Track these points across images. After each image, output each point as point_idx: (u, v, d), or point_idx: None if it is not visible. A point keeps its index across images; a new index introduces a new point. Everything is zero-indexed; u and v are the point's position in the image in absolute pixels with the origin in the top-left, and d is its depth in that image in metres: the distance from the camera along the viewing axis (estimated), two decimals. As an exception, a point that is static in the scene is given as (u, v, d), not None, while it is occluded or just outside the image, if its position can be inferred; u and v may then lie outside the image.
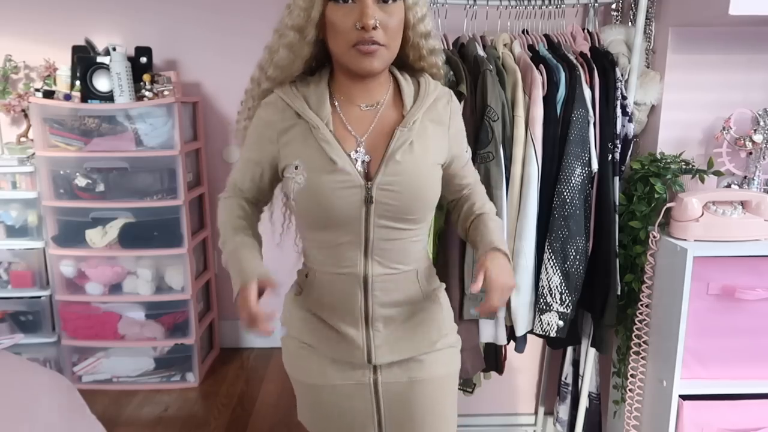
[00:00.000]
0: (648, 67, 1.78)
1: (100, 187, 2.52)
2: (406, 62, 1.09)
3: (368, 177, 1.01)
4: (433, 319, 1.15)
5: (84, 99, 2.42)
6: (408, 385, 1.13)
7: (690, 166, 1.67)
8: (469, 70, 1.59)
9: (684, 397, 1.57)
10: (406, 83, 1.08)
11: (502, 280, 0.99)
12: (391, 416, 1.14)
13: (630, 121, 1.68)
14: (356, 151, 1.02)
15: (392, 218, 1.03)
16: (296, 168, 1.02)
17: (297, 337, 1.15)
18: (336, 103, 1.05)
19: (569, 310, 1.66)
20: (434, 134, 1.07)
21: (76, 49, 2.53)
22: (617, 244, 1.68)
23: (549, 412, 2.21)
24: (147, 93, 2.45)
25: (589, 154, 1.61)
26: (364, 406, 1.13)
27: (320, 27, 0.98)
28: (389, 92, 1.07)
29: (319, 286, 1.10)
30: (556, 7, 1.75)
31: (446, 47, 1.70)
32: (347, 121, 1.04)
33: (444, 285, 1.22)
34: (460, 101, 1.59)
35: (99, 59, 2.42)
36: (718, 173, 1.66)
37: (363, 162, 1.02)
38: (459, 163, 1.14)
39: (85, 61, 2.43)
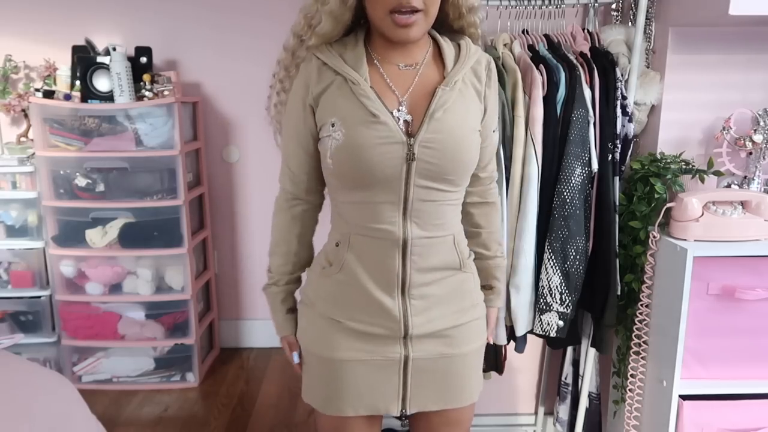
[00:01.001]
0: (648, 67, 1.78)
1: (100, 187, 2.52)
2: (445, 21, 1.07)
3: (410, 135, 1.00)
4: (466, 289, 1.14)
5: (84, 99, 2.42)
6: (438, 361, 1.11)
7: (690, 166, 1.67)
8: (469, 70, 1.59)
9: (684, 397, 1.57)
10: (447, 45, 1.07)
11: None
12: (417, 393, 1.11)
13: (630, 121, 1.68)
14: (398, 110, 1.01)
15: (432, 178, 1.01)
16: (333, 125, 1.00)
17: (323, 312, 1.11)
18: (375, 62, 1.04)
19: (569, 310, 1.66)
20: (473, 98, 1.07)
21: (76, 49, 2.53)
22: (617, 244, 1.68)
23: (549, 412, 2.21)
24: (147, 93, 2.45)
25: (589, 154, 1.61)
26: (391, 383, 1.10)
27: None
28: (429, 53, 1.06)
29: (353, 250, 1.06)
30: (556, 7, 1.75)
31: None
32: (388, 79, 1.03)
33: (473, 254, 1.19)
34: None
35: (99, 59, 2.42)
36: (718, 173, 1.66)
37: (405, 121, 1.01)
38: (484, 137, 1.11)
39: (85, 61, 2.43)
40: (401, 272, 1.05)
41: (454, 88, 1.03)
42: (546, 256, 1.64)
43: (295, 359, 1.19)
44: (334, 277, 1.10)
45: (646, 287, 1.65)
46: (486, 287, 1.22)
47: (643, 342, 1.68)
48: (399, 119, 1.00)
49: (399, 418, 1.15)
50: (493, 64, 1.12)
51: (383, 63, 1.04)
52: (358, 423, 1.13)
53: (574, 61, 1.61)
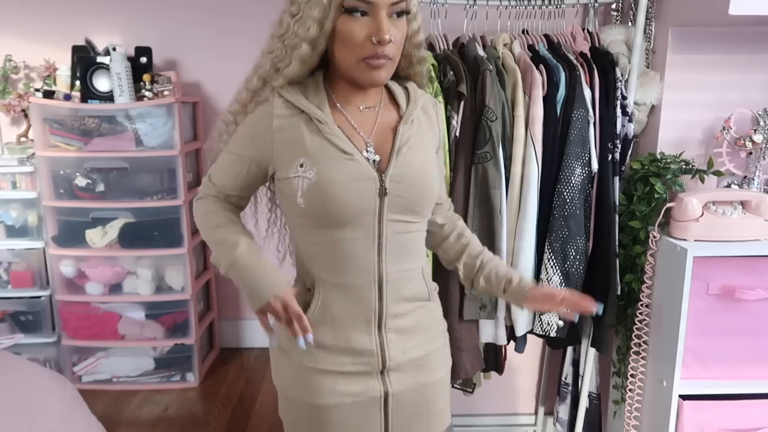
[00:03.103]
0: (648, 67, 1.78)
1: (100, 187, 2.52)
2: (396, 70, 1.09)
3: (380, 171, 1.02)
4: (433, 318, 1.18)
5: (84, 99, 2.42)
6: (416, 393, 1.12)
7: (690, 166, 1.67)
8: (469, 70, 1.59)
9: (684, 397, 1.57)
10: (397, 88, 1.11)
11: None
12: (398, 426, 1.12)
13: (630, 121, 1.68)
14: (367, 150, 1.03)
15: (403, 211, 1.03)
16: (301, 166, 1.00)
17: (300, 360, 1.09)
18: (337, 105, 1.05)
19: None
20: (427, 134, 1.12)
21: (76, 49, 2.53)
22: (617, 244, 1.68)
23: (549, 412, 2.21)
24: (147, 93, 2.45)
25: (589, 154, 1.61)
26: (374, 422, 1.11)
27: (330, 38, 0.98)
28: (383, 96, 1.10)
29: (328, 293, 1.06)
30: (556, 7, 1.75)
31: (446, 47, 1.70)
32: (352, 120, 1.05)
33: (436, 285, 1.22)
34: (460, 101, 1.59)
35: (99, 59, 2.42)
36: (718, 173, 1.66)
37: (374, 161, 1.03)
38: (438, 167, 1.16)
39: (85, 61, 2.43)
40: (377, 307, 1.06)
41: (412, 126, 1.07)
42: (546, 256, 1.64)
43: (303, 315, 1.03)
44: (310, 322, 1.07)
45: (646, 287, 1.65)
46: (510, 281, 1.18)
47: (643, 342, 1.68)
48: (369, 159, 1.03)
49: None
50: (438, 104, 1.18)
51: (345, 105, 1.05)
52: None
53: (574, 61, 1.61)
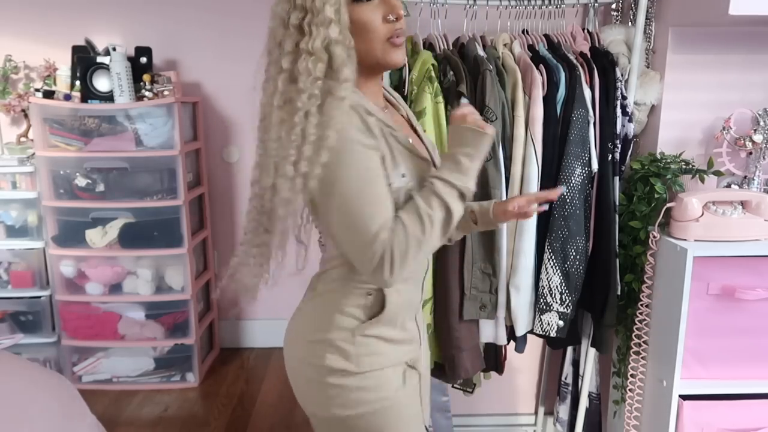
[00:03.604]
0: (648, 67, 1.78)
1: (100, 187, 2.52)
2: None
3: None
4: None
5: (84, 99, 2.42)
6: (426, 369, 1.19)
7: (690, 166, 1.67)
8: (469, 70, 1.59)
9: (684, 397, 1.57)
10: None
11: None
12: (425, 406, 1.19)
13: (630, 121, 1.68)
14: (428, 151, 1.09)
15: None
16: (403, 176, 0.96)
17: (393, 362, 1.06)
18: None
19: (569, 310, 1.66)
20: None
21: (76, 49, 2.53)
22: (617, 244, 1.68)
23: (549, 412, 2.21)
24: (147, 93, 2.45)
25: (589, 154, 1.61)
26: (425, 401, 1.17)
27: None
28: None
29: (390, 294, 1.02)
30: (556, 7, 1.75)
31: (446, 47, 1.70)
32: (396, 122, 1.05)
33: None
34: (460, 101, 1.59)
35: (99, 59, 2.42)
36: (718, 173, 1.66)
37: (432, 160, 1.09)
38: None
39: (85, 61, 2.43)
40: (422, 290, 1.13)
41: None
42: (546, 256, 1.64)
43: None
44: (379, 327, 1.04)
45: (646, 287, 1.65)
46: (473, 210, 1.16)
47: (643, 342, 1.68)
48: (432, 159, 1.08)
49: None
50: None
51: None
52: None
53: (574, 61, 1.61)
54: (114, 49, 2.37)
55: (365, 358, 1.02)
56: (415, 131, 1.13)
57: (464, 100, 1.38)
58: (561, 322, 1.66)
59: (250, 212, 1.04)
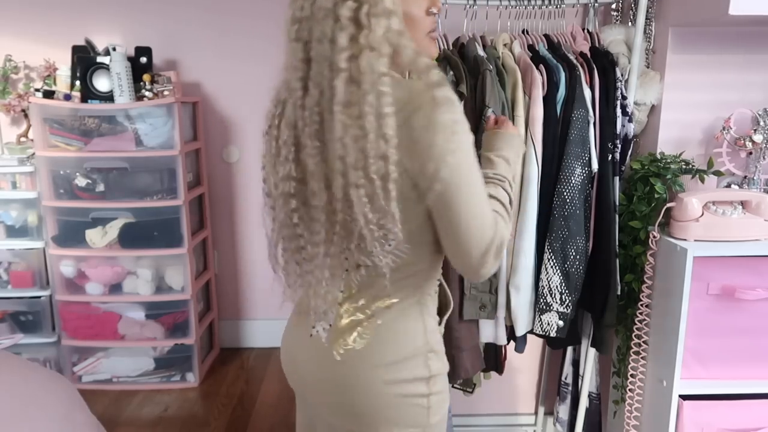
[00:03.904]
0: (648, 67, 1.78)
1: (100, 187, 2.52)
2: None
3: None
4: None
5: (84, 99, 2.43)
6: None
7: (690, 166, 1.67)
8: (469, 70, 1.59)
9: (684, 397, 1.57)
10: None
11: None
12: None
13: (630, 121, 1.68)
14: None
15: None
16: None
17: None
18: None
19: (569, 310, 1.66)
20: None
21: (76, 49, 2.53)
22: (617, 244, 1.68)
23: (549, 412, 2.21)
24: (147, 93, 2.45)
25: (589, 154, 1.61)
26: None
27: None
28: None
29: (439, 292, 1.09)
30: (556, 7, 1.75)
31: (446, 47, 1.70)
32: None
33: None
34: (460, 101, 1.59)
35: (99, 59, 2.42)
36: (718, 173, 1.66)
37: None
38: None
39: (85, 61, 2.43)
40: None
41: None
42: (546, 256, 1.64)
43: None
44: (434, 320, 1.04)
45: (646, 287, 1.65)
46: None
47: (643, 342, 1.68)
48: None
49: None
50: None
51: None
52: None
53: (574, 61, 1.61)
54: (114, 49, 2.37)
55: (443, 354, 1.03)
56: None
57: (490, 112, 1.42)
58: (561, 322, 1.66)
59: (306, 232, 0.93)
